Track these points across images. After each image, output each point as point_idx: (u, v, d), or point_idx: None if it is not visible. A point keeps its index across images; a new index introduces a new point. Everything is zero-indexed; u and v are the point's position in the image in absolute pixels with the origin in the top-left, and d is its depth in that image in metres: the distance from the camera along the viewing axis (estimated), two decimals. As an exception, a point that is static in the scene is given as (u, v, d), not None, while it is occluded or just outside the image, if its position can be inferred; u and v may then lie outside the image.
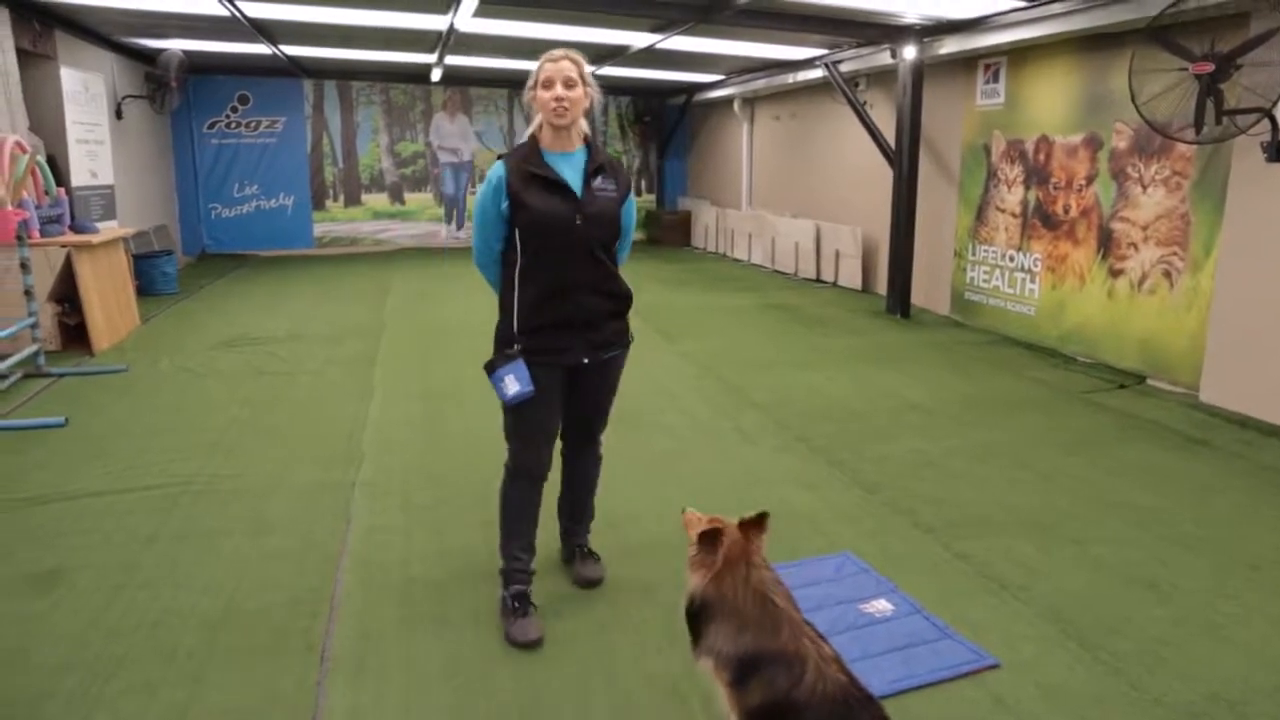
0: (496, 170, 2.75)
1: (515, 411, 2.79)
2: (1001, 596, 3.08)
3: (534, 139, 2.78)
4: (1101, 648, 2.77)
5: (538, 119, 2.76)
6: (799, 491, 4.02)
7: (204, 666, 2.65)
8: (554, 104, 2.67)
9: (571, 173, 2.74)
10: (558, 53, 2.71)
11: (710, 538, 2.14)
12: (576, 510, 3.22)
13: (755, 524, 2.15)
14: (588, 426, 3.05)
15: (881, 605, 2.99)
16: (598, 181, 2.76)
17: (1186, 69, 4.86)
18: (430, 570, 3.26)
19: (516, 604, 2.86)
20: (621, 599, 3.05)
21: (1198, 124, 4.87)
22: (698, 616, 2.13)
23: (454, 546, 3.46)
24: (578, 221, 2.69)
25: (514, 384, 2.70)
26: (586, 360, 2.79)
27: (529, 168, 2.71)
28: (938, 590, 3.11)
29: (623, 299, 2.87)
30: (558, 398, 2.84)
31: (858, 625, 2.86)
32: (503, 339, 2.81)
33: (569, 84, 2.67)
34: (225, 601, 3.02)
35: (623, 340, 2.91)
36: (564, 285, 2.73)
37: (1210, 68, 4.75)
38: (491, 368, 2.75)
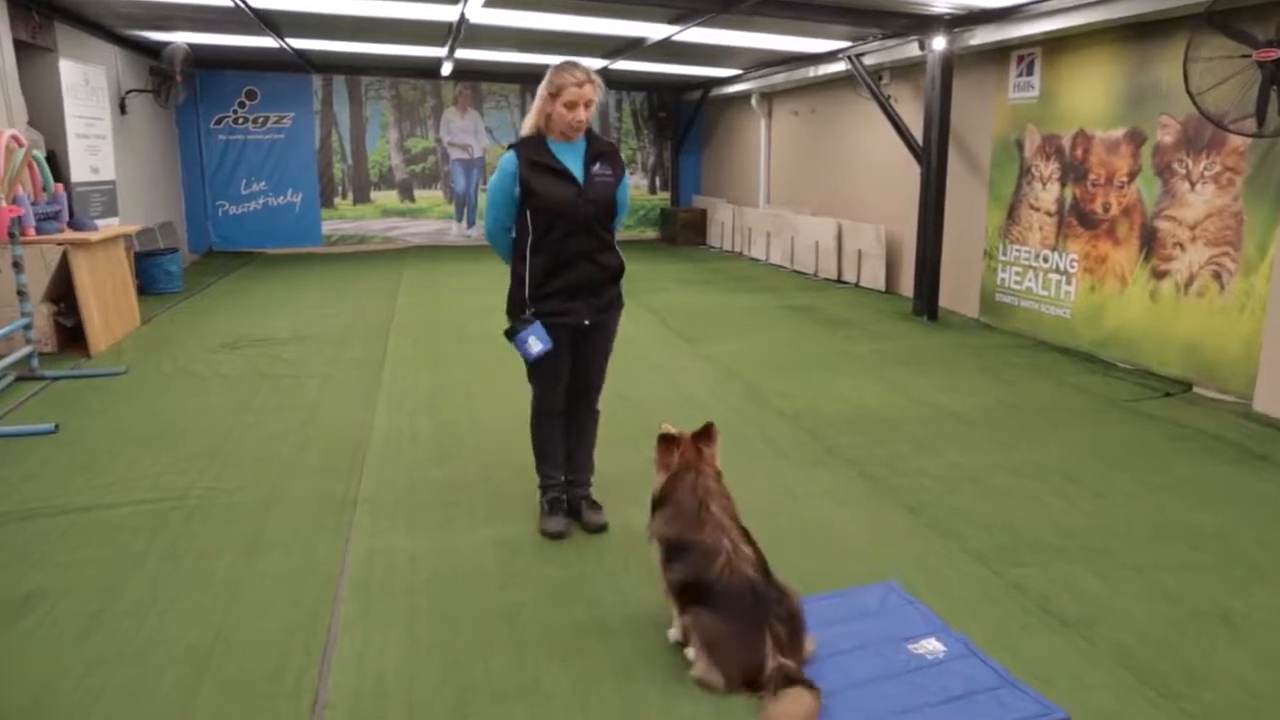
0: (510, 159, 3.22)
1: (534, 364, 3.31)
2: (1065, 635, 2.78)
3: (541, 133, 3.24)
4: (1184, 697, 2.47)
5: (541, 116, 3.21)
6: (836, 510, 3.73)
7: (188, 706, 2.40)
8: (575, 124, 3.16)
9: (574, 161, 3.22)
10: (580, 73, 3.13)
11: (665, 440, 2.70)
12: (577, 464, 3.58)
13: (704, 436, 2.71)
14: (586, 388, 3.48)
15: (932, 645, 2.70)
16: (596, 167, 3.24)
17: (1249, 56, 4.54)
18: (437, 598, 3.00)
19: (549, 506, 3.52)
20: (644, 636, 2.77)
21: (1260, 115, 4.55)
22: (655, 507, 2.67)
23: (464, 570, 3.20)
24: (580, 203, 3.19)
25: (536, 344, 3.20)
26: (588, 321, 3.31)
27: (538, 158, 3.19)
28: (993, 627, 2.82)
29: (617, 268, 3.38)
30: (566, 351, 3.35)
31: (908, 669, 2.58)
32: (516, 304, 3.30)
33: (588, 106, 3.15)
34: (214, 632, 2.77)
35: (617, 304, 3.45)
36: (568, 256, 3.23)
37: (1276, 54, 4.43)
38: (513, 333, 3.24)
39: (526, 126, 3.29)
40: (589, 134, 3.29)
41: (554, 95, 3.14)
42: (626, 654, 2.67)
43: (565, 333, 3.30)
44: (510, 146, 3.26)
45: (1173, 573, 3.21)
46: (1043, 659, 2.64)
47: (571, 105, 3.13)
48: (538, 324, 3.21)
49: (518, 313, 3.28)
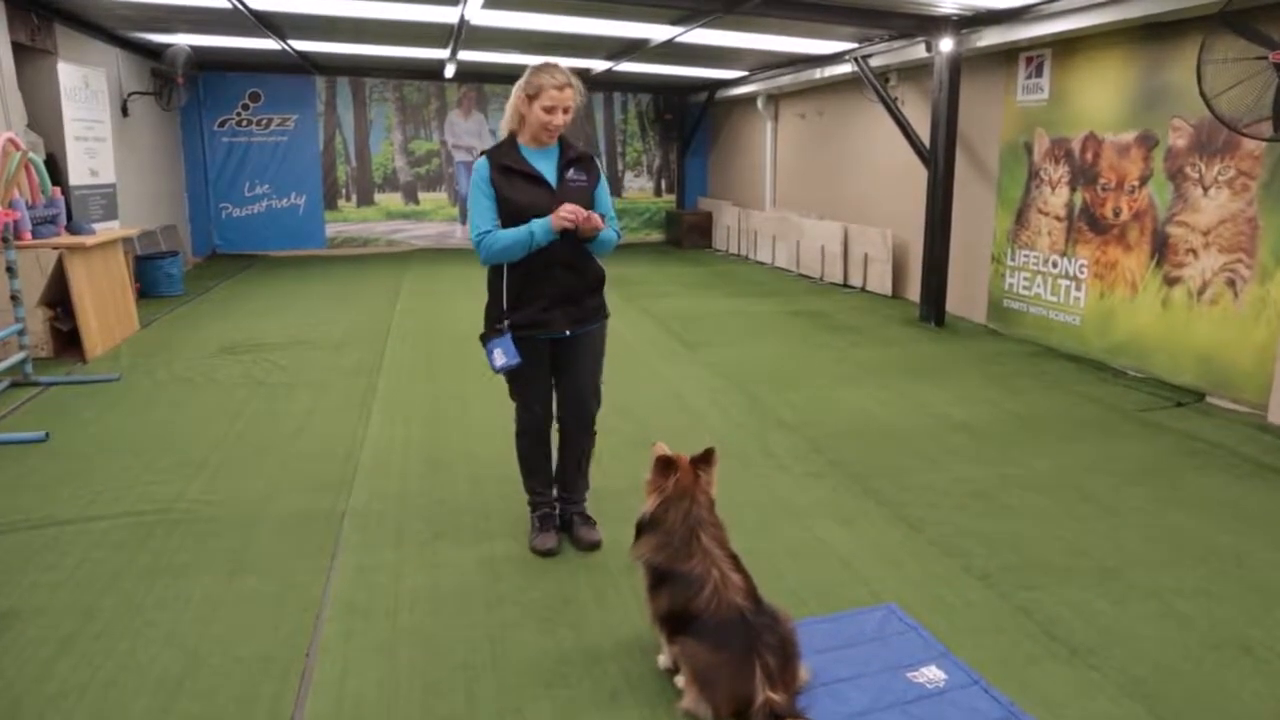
0: (482, 164, 3.13)
1: (511, 379, 3.25)
2: (1073, 663, 2.66)
3: (514, 136, 3.15)
4: (1199, 733, 2.35)
5: (515, 118, 3.11)
6: (835, 527, 3.61)
7: (155, 740, 2.31)
8: (551, 129, 3.05)
9: (547, 166, 3.14)
10: (560, 76, 3.02)
11: (664, 464, 2.55)
12: (570, 481, 3.45)
13: (704, 460, 2.59)
14: (575, 402, 3.31)
15: (933, 674, 2.59)
16: (570, 173, 3.15)
17: (1265, 58, 4.41)
18: (421, 619, 2.90)
19: (540, 523, 3.41)
20: (633, 662, 2.67)
21: (1276, 119, 4.41)
22: (642, 529, 2.55)
23: (450, 589, 3.09)
24: (553, 209, 3.01)
25: (501, 356, 3.12)
26: (568, 332, 3.18)
27: (509, 163, 3.10)
28: (998, 654, 2.70)
29: (596, 277, 3.26)
30: (545, 366, 3.24)
31: (906, 699, 2.47)
32: (492, 315, 3.20)
33: (566, 111, 3.04)
34: (188, 657, 2.67)
35: (600, 315, 3.30)
36: (544, 265, 3.11)
37: (1293, 56, 4.30)
38: (484, 340, 3.19)
39: (502, 129, 3.20)
40: (561, 140, 3.19)
41: (531, 98, 3.03)
42: (613, 681, 2.56)
43: (544, 345, 3.20)
44: (483, 153, 3.17)
45: (1188, 597, 3.09)
46: (1050, 689, 2.53)
47: (550, 110, 3.01)
48: (508, 337, 3.12)
49: (492, 322, 3.20)
